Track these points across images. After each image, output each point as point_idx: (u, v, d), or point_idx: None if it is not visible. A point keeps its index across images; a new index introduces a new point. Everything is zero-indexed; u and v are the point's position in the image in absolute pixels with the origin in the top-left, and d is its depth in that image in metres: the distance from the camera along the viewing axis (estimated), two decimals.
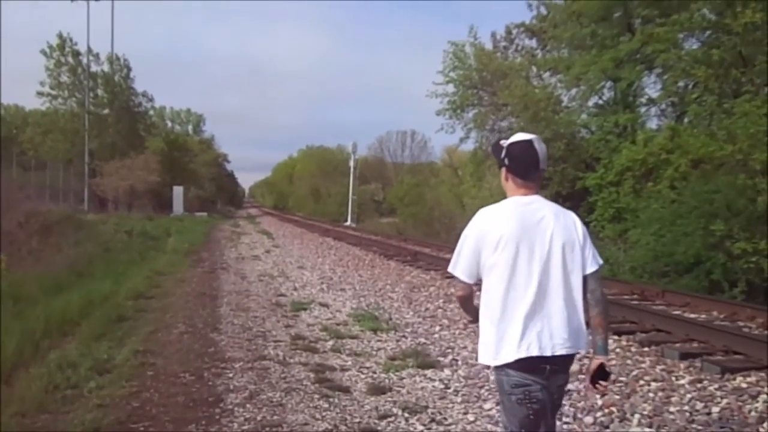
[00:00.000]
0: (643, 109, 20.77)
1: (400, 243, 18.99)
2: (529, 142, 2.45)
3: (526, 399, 2.30)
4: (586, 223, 11.06)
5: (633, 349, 5.60)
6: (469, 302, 2.52)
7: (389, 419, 4.31)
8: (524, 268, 2.31)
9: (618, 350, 5.56)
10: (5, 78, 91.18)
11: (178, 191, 41.58)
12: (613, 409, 4.28)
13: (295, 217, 45.83)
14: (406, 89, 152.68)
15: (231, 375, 5.24)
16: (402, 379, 5.28)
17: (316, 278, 11.78)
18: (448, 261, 2.52)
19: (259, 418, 4.26)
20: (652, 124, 20.84)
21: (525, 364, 2.28)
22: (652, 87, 20.69)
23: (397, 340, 6.69)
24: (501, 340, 2.30)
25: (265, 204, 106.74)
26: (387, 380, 5.23)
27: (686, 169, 15.48)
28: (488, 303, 2.36)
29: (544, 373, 2.30)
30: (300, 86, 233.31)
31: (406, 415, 4.39)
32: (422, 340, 6.68)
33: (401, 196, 40.42)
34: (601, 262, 2.44)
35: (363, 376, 5.32)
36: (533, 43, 26.38)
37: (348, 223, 37.21)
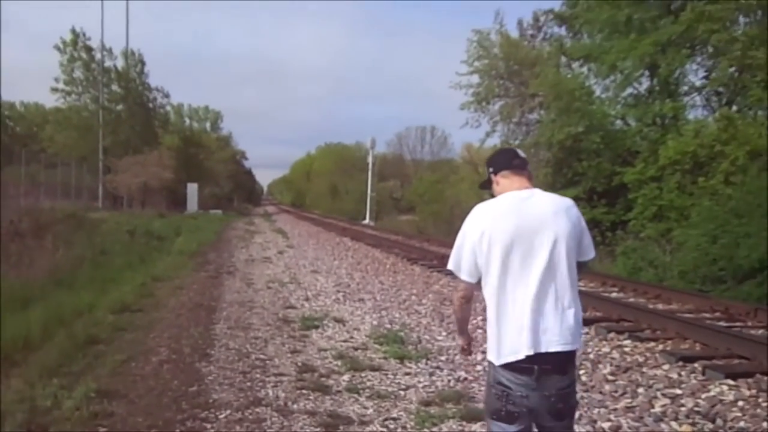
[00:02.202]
0: (685, 99, 19.22)
1: (423, 244, 17.59)
2: (502, 147, 2.55)
3: (503, 398, 2.27)
4: (623, 222, 9.70)
5: (762, 401, 4.10)
6: (468, 305, 2.50)
7: None
8: (519, 266, 2.24)
9: (740, 403, 4.08)
10: (26, 76, 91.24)
11: (192, 188, 40.52)
12: None
13: (312, 215, 44.62)
14: (425, 85, 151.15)
15: None
16: None
17: (331, 285, 10.44)
18: None
19: None
20: (696, 114, 19.22)
21: (512, 366, 2.24)
22: (693, 74, 19.18)
23: (431, 374, 5.30)
24: (496, 340, 2.27)
25: (283, 201, 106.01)
26: None
27: (744, 162, 13.92)
28: (488, 301, 2.32)
29: (532, 374, 2.22)
30: (318, 83, 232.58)
31: None
32: (462, 374, 5.27)
33: (421, 193, 39.00)
34: (594, 254, 2.41)
35: None
36: (562, 30, 25.06)
37: (366, 221, 35.85)
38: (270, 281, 10.78)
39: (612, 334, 5.95)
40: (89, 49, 40.76)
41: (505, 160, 2.47)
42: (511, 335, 2.22)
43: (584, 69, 22.20)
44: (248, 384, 4.90)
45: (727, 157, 14.32)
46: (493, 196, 2.46)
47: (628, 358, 5.28)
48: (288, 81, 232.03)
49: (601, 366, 5.06)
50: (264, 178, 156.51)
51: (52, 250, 10.41)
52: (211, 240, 20.15)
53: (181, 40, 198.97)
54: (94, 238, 14.11)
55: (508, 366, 2.23)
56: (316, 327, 7.09)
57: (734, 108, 17.43)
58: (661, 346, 5.55)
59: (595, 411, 4.13)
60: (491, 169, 2.50)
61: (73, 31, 40.29)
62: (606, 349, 5.59)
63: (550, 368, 2.21)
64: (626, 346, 5.66)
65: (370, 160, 38.84)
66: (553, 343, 2.20)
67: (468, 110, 23.46)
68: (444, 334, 6.77)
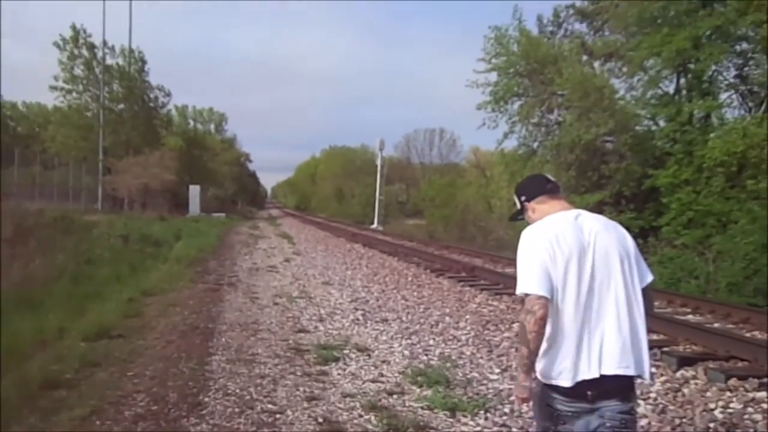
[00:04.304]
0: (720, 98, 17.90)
1: (443, 252, 16.22)
2: (529, 175, 2.65)
3: (552, 419, 2.14)
4: (654, 228, 8.36)
5: None
6: (545, 328, 2.10)
7: None
8: (578, 283, 2.10)
9: None
10: (27, 76, 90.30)
11: (194, 190, 39.25)
12: None
13: (317, 219, 43.34)
14: (433, 90, 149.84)
15: None
16: None
17: (346, 300, 9.11)
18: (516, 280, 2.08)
19: None
20: (731, 114, 18.01)
21: (562, 390, 2.09)
22: (725, 71, 17.91)
23: None
24: (548, 358, 2.11)
25: (287, 204, 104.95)
26: None
27: None
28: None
29: (585, 399, 2.08)
30: (325, 86, 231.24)
31: None
32: None
33: (432, 196, 37.73)
34: (652, 276, 2.28)
35: None
36: (584, 27, 23.89)
37: (375, 225, 34.49)
38: (277, 295, 9.46)
39: (733, 381, 4.58)
40: (91, 47, 39.66)
41: (537, 186, 2.40)
42: (564, 355, 2.07)
43: (606, 67, 21.09)
44: None
45: None
46: (527, 224, 2.32)
47: None
48: (294, 84, 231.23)
49: None
50: (268, 181, 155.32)
51: (28, 260, 9.09)
52: (213, 245, 18.82)
53: (185, 41, 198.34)
54: (82, 244, 12.79)
55: (558, 389, 2.10)
56: (336, 359, 5.75)
57: None
58: None
59: None
60: (523, 197, 2.41)
61: (74, 28, 39.21)
62: (737, 405, 4.22)
63: (606, 392, 2.07)
64: (762, 401, 4.28)
65: (378, 162, 37.52)
66: (613, 366, 2.06)
67: (485, 110, 22.17)
68: (497, 370, 5.41)
